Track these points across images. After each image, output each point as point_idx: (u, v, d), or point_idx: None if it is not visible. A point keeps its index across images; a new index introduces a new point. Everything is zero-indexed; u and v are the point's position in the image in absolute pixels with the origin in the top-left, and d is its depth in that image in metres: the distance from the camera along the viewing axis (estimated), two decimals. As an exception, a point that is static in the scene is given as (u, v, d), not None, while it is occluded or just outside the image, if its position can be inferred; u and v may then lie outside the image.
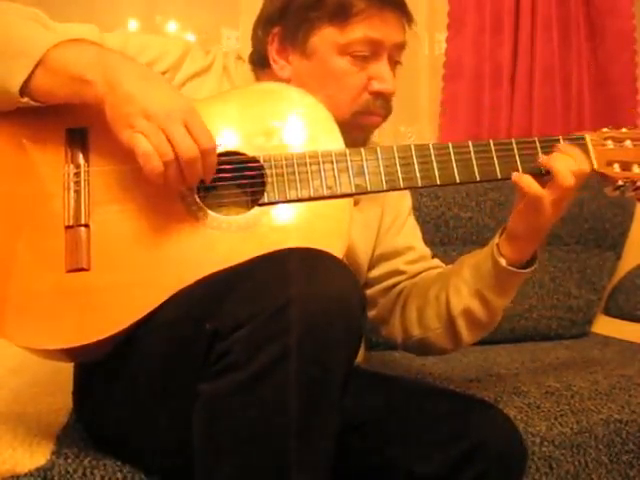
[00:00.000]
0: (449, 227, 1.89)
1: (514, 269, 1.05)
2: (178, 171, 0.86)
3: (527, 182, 0.98)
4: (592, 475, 1.25)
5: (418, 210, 1.85)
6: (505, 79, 2.28)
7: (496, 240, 1.06)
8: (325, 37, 1.04)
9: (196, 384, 0.79)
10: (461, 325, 1.11)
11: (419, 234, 1.28)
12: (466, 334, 1.12)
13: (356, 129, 1.07)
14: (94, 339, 0.87)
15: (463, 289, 1.09)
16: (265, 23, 1.10)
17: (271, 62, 1.09)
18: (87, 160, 0.94)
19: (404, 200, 1.26)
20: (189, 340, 0.82)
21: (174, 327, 0.85)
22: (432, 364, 1.60)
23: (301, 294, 0.75)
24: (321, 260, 0.81)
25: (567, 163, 0.98)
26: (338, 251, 0.91)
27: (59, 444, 1.00)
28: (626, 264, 2.09)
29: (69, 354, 0.91)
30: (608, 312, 2.07)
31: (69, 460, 0.96)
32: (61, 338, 0.87)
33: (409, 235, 1.25)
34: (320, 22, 1.04)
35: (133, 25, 2.22)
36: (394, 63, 1.10)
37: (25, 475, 0.93)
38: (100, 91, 0.87)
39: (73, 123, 0.95)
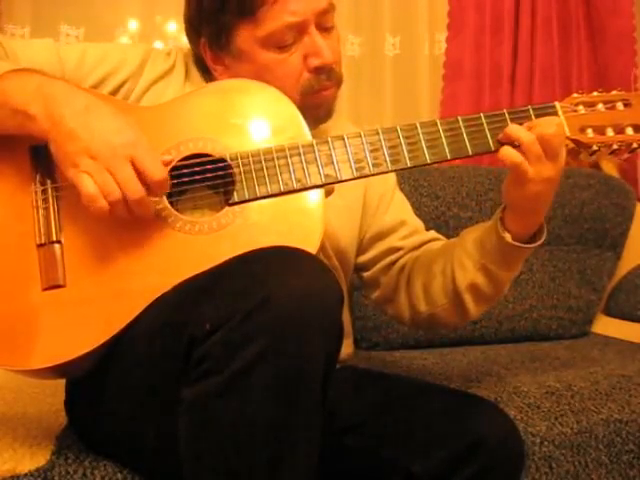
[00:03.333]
0: (449, 227, 1.88)
1: (519, 244, 1.03)
2: (125, 208, 0.86)
3: (505, 151, 0.96)
4: (592, 475, 1.25)
5: (418, 210, 1.85)
6: (505, 79, 2.29)
7: (499, 214, 1.05)
8: (244, 35, 1.01)
9: (179, 390, 0.79)
10: (468, 300, 1.09)
11: (409, 207, 1.26)
12: (473, 308, 1.11)
13: (311, 108, 1.03)
14: (77, 354, 0.87)
15: (468, 264, 1.07)
16: (190, 35, 1.08)
17: (211, 70, 1.07)
18: (53, 176, 0.93)
19: (388, 176, 1.22)
20: (169, 347, 0.82)
21: (154, 335, 0.85)
22: (432, 364, 1.60)
23: (274, 294, 0.75)
24: (294, 258, 0.81)
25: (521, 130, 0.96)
26: (312, 243, 0.90)
27: (59, 445, 1.00)
28: (626, 264, 2.08)
29: (54, 371, 0.90)
30: (608, 312, 2.07)
31: (69, 461, 0.96)
32: (44, 356, 0.87)
33: (399, 210, 1.23)
34: (233, 22, 1.01)
35: (133, 25, 2.22)
36: (326, 30, 1.04)
37: (25, 475, 0.93)
38: (43, 126, 0.87)
39: (37, 140, 0.93)
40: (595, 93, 1.04)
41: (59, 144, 0.87)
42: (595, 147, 1.01)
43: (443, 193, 1.89)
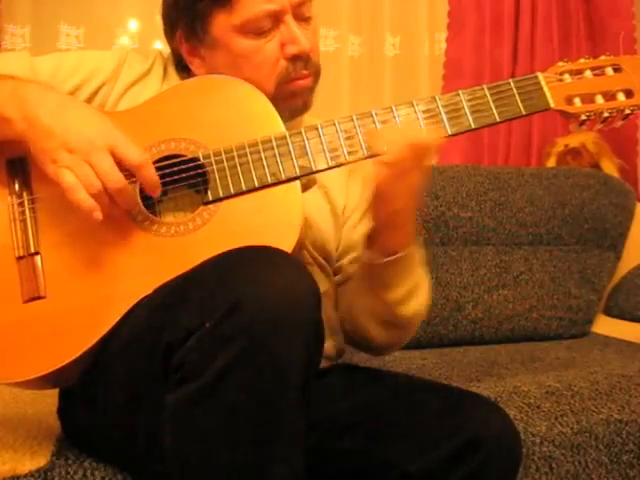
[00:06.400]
0: (449, 227, 1.89)
1: (377, 261, 0.99)
2: (108, 200, 0.86)
3: (375, 168, 0.91)
4: (592, 475, 1.25)
5: (418, 210, 1.86)
6: (505, 79, 2.28)
7: (367, 232, 1.02)
8: (220, 23, 1.00)
9: (163, 396, 0.79)
10: (367, 324, 1.05)
11: None
12: (376, 331, 1.06)
13: (287, 98, 1.02)
14: (62, 363, 0.87)
15: (358, 286, 1.05)
16: (168, 28, 1.07)
17: (188, 63, 1.07)
18: (30, 188, 0.94)
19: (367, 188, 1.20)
20: (149, 353, 0.82)
21: (134, 342, 0.85)
22: (432, 364, 1.60)
23: (247, 296, 0.74)
24: (267, 258, 0.80)
25: (391, 137, 0.91)
26: (291, 238, 0.89)
27: (60, 445, 1.00)
28: (626, 264, 2.09)
29: (42, 382, 0.91)
30: (608, 312, 2.07)
31: (69, 461, 0.96)
32: (30, 368, 0.88)
33: (366, 229, 1.16)
34: (209, 10, 1.00)
35: (133, 25, 2.22)
36: (304, 20, 1.03)
37: (25, 476, 0.93)
38: (20, 128, 0.88)
39: (12, 153, 0.94)
40: (582, 60, 1.00)
41: (37, 143, 0.87)
42: (584, 116, 0.97)
43: (443, 193, 1.89)
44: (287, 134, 0.95)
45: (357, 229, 1.16)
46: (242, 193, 0.93)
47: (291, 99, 1.03)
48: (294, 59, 1.02)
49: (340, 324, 1.13)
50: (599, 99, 0.98)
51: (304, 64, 1.03)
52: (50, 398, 1.21)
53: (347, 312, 1.09)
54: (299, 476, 0.79)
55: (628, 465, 1.28)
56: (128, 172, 0.88)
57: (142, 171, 0.88)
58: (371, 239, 1.01)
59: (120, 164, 0.87)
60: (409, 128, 0.94)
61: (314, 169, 0.94)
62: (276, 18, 1.00)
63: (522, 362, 1.62)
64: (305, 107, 1.06)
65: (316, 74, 1.05)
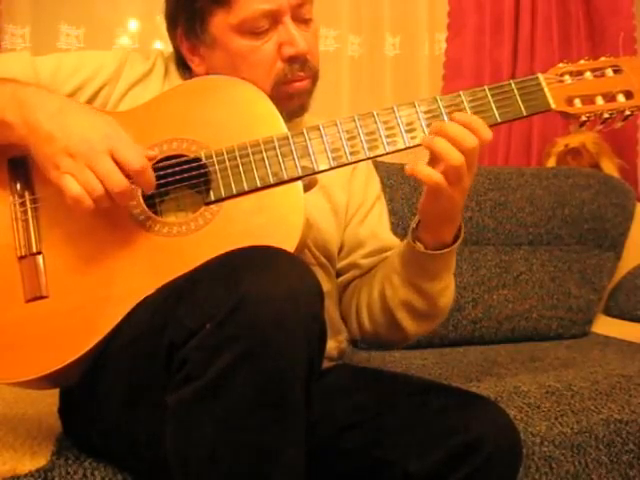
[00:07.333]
0: (449, 227, 1.88)
1: (431, 252, 1.01)
2: (110, 201, 0.87)
3: (422, 170, 0.92)
4: (592, 475, 1.25)
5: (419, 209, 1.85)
6: (505, 79, 2.27)
7: (412, 225, 1.03)
8: (218, 22, 1.01)
9: (164, 396, 0.79)
10: (401, 317, 1.07)
11: (385, 221, 1.22)
12: (410, 325, 1.08)
13: (284, 100, 1.02)
14: (64, 363, 0.87)
15: (396, 280, 1.06)
16: (169, 26, 1.08)
17: (188, 62, 1.07)
18: (31, 188, 0.94)
19: (371, 186, 1.20)
20: (151, 353, 0.82)
21: (137, 339, 0.86)
22: (432, 364, 1.60)
23: (249, 296, 0.74)
24: (270, 257, 0.80)
25: (450, 140, 0.91)
26: (293, 238, 0.89)
27: (60, 445, 1.00)
28: (626, 264, 2.09)
29: (44, 382, 0.91)
30: (608, 312, 2.07)
31: (69, 461, 0.96)
32: (32, 367, 0.88)
33: (374, 223, 1.19)
34: (207, 9, 1.00)
35: (133, 25, 2.22)
36: (304, 22, 1.03)
37: (25, 476, 0.93)
38: (21, 133, 0.88)
39: (13, 153, 0.94)
40: (582, 61, 1.00)
41: (38, 148, 0.88)
42: (584, 117, 0.98)
43: (443, 193, 1.88)
44: (289, 134, 0.95)
45: (364, 224, 1.17)
46: (244, 193, 0.93)
47: (288, 101, 1.03)
48: (291, 60, 1.02)
49: (357, 318, 1.14)
50: (599, 100, 0.99)
51: (301, 66, 1.03)
52: (50, 398, 1.21)
53: (373, 304, 1.10)
54: (299, 475, 0.79)
55: (628, 465, 1.28)
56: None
57: (139, 177, 0.88)
58: (420, 232, 1.02)
59: (119, 168, 0.87)
60: (463, 134, 0.91)
61: (316, 169, 0.94)
62: (274, 19, 1.00)
63: (522, 362, 1.62)
64: (302, 109, 1.06)
65: (314, 77, 1.05)
